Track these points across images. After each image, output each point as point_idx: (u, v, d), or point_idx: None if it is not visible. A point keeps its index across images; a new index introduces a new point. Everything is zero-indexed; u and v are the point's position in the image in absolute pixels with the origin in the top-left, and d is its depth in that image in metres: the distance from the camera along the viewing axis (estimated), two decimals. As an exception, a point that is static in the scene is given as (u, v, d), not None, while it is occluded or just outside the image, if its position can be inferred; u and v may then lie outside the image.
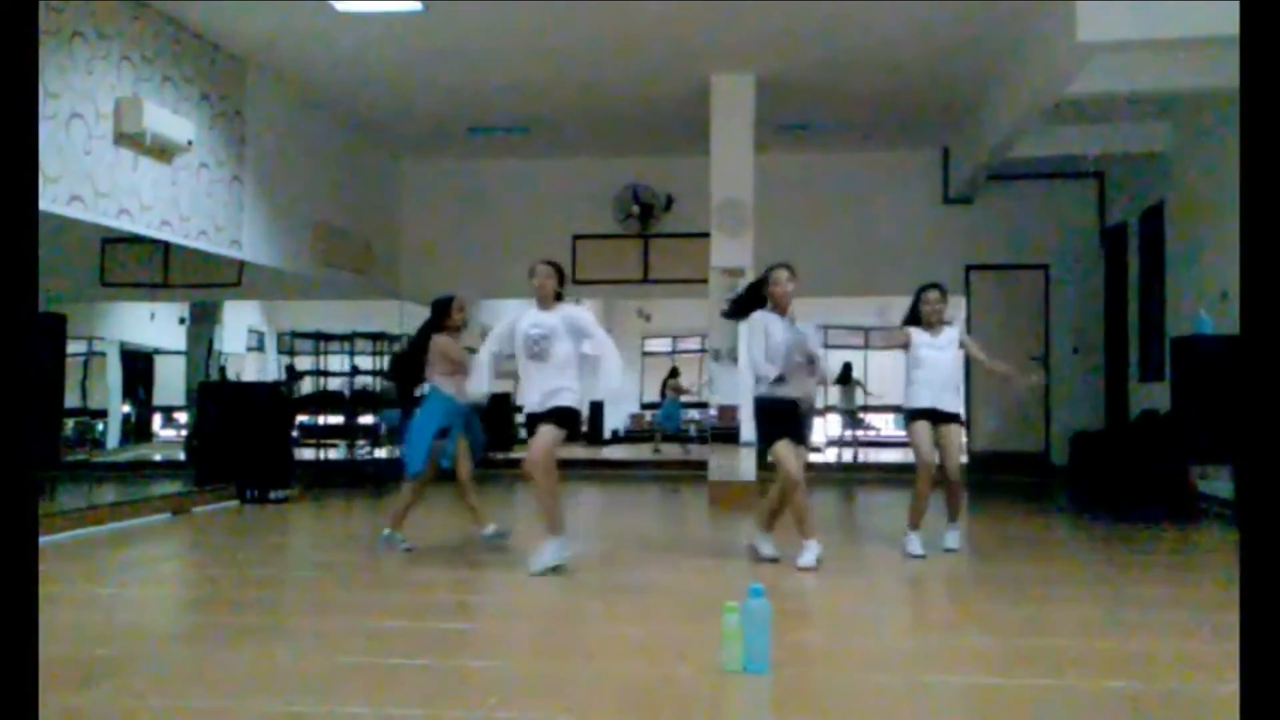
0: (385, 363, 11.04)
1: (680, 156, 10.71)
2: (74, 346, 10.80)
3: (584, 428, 16.72)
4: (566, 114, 9.86)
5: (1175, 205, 9.23)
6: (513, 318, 5.39)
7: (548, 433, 5.16)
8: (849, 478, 11.41)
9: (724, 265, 8.57)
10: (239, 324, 12.74)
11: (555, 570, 5.12)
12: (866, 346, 15.90)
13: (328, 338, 11.72)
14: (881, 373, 15.87)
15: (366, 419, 11.24)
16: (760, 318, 5.47)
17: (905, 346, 5.96)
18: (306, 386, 11.77)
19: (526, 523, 6.32)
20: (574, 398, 5.23)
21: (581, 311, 5.48)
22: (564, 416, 5.20)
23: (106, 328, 11.65)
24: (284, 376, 12.10)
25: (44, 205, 5.95)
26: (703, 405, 15.05)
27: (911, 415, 5.97)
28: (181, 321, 12.04)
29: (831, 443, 15.89)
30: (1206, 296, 8.09)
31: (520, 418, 7.45)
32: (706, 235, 8.83)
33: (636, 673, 3.48)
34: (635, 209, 11.31)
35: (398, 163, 11.64)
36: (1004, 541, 6.81)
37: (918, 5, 7.08)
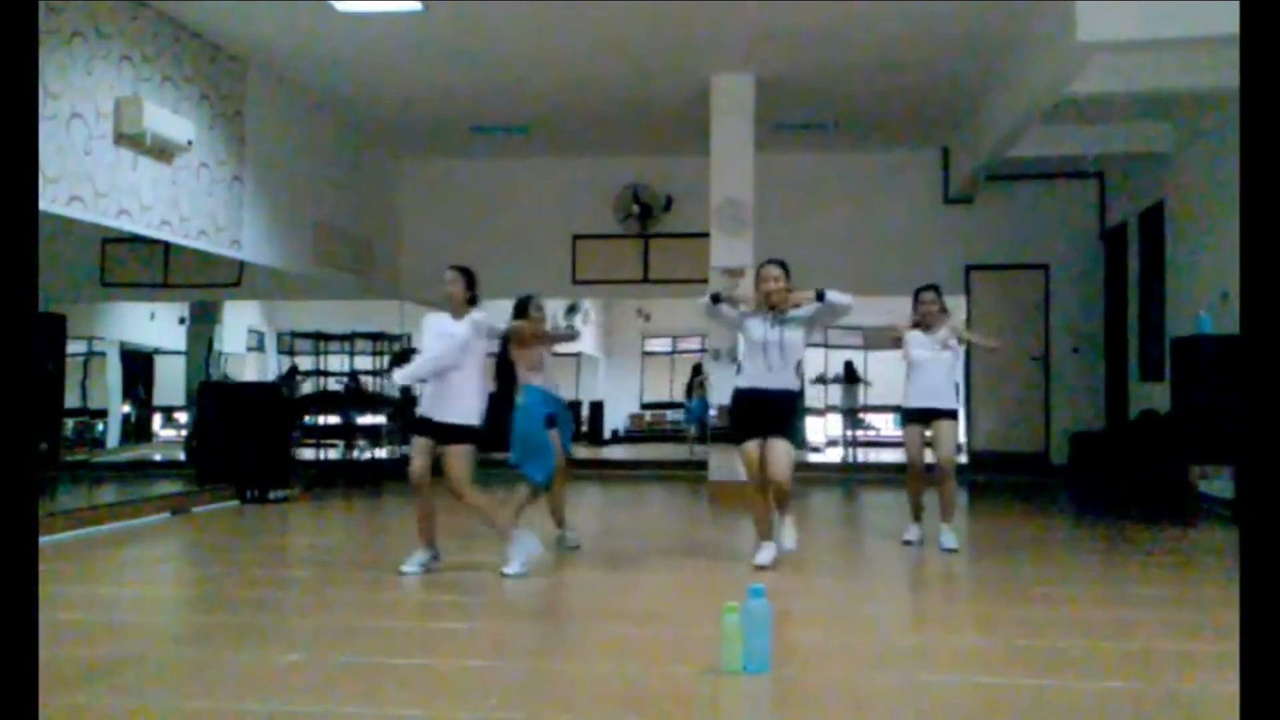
0: (385, 363, 11.03)
1: (680, 156, 10.71)
2: (74, 346, 10.82)
3: (583, 428, 16.71)
4: (566, 114, 9.85)
5: (1175, 205, 9.23)
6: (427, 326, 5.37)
7: (460, 455, 5.14)
8: (849, 477, 11.41)
9: (724, 265, 8.54)
10: (239, 324, 12.76)
11: (528, 562, 5.14)
12: (866, 347, 15.90)
13: (328, 338, 11.73)
14: (881, 372, 15.84)
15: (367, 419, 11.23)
16: (737, 315, 5.45)
17: (897, 344, 6.19)
18: (307, 387, 11.78)
19: (524, 523, 6.30)
20: (474, 412, 5.20)
21: (486, 316, 5.38)
22: (466, 434, 5.18)
23: (106, 328, 11.67)
24: (285, 374, 12.11)
25: (44, 205, 5.95)
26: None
27: (906, 417, 6.28)
28: (181, 321, 12.06)
29: (831, 442, 15.87)
30: (1206, 296, 8.09)
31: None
32: (706, 235, 8.83)
33: (636, 673, 3.48)
34: (635, 209, 11.30)
35: (398, 163, 11.63)
36: (1004, 541, 6.81)
37: (918, 5, 7.08)
